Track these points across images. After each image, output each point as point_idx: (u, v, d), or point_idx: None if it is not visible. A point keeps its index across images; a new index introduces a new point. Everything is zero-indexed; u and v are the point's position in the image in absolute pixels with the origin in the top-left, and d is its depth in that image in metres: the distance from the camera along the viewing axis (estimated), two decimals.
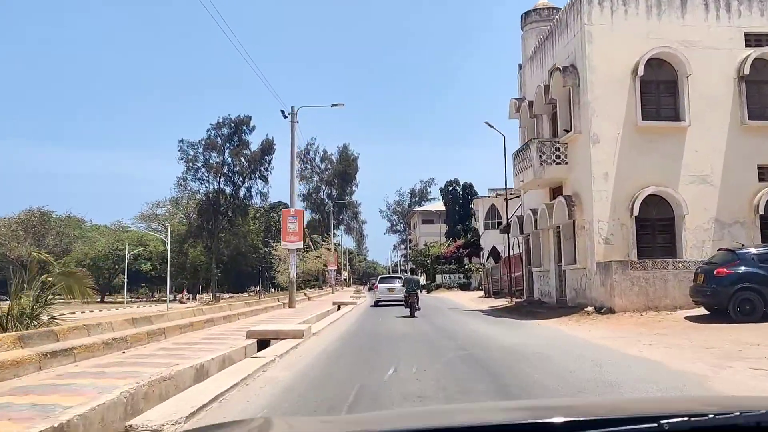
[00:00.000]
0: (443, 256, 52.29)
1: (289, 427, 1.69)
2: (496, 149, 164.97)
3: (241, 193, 78.85)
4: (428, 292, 49.61)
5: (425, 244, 74.26)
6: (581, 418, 1.26)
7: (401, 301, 23.26)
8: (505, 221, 33.94)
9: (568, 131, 19.25)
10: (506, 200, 26.50)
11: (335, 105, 29.97)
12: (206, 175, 78.20)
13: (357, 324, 18.09)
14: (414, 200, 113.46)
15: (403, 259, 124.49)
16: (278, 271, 39.59)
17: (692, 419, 1.13)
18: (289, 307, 24.99)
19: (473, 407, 2.93)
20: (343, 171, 74.83)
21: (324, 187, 76.62)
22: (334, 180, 75.01)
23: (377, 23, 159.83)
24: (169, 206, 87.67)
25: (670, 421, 1.10)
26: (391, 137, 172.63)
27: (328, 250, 43.70)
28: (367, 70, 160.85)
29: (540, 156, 19.34)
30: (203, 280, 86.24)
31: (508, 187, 27.46)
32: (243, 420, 2.35)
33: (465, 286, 49.27)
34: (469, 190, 74.28)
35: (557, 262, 20.35)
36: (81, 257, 73.70)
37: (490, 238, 51.33)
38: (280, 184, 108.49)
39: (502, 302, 26.96)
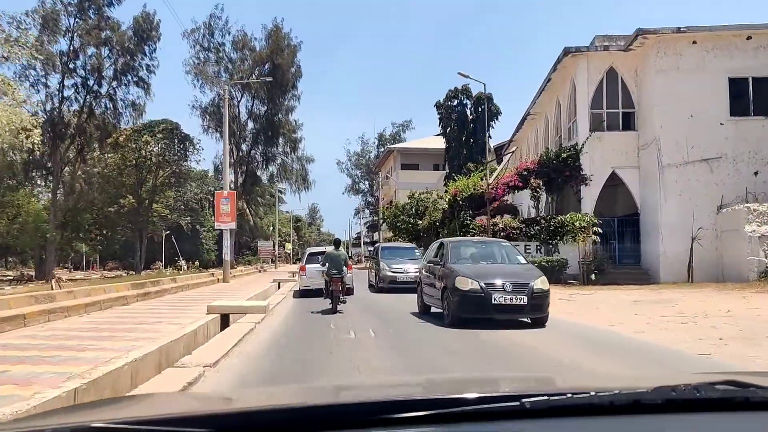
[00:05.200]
0: (484, 198, 21.54)
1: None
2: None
3: (102, 106, 46.65)
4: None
5: (411, 194, 43.89)
6: (443, 396, 1.29)
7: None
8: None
9: None
10: None
11: None
12: (41, 73, 45.67)
13: None
14: (382, 150, 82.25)
15: (366, 228, 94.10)
16: None
17: (551, 398, 1.18)
18: None
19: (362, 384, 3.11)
20: (274, 67, 43.54)
21: (239, 95, 44.87)
22: (259, 83, 43.61)
23: None
24: None
25: (531, 399, 1.15)
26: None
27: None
28: None
29: None
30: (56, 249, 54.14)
31: None
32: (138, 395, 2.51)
33: (554, 270, 18.79)
34: (487, 104, 43.97)
35: None
36: None
37: (603, 153, 21.07)
38: (168, 91, 74.96)
39: None
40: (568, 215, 20.28)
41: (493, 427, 1.14)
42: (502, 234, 19.95)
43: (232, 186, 46.27)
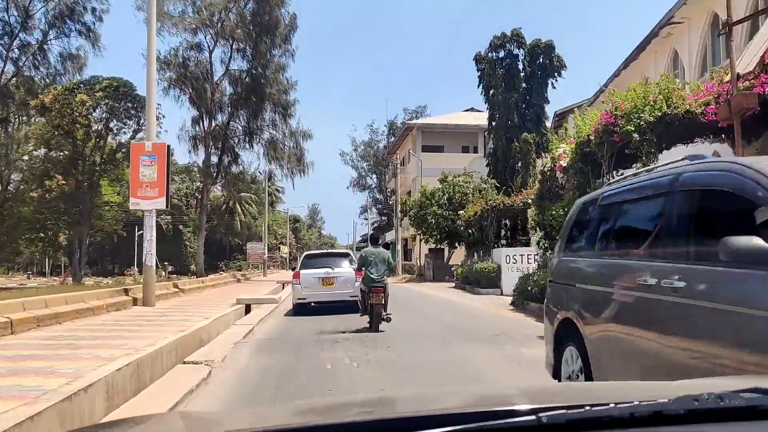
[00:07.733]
0: (706, 121, 9.61)
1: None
2: None
3: (32, 61, 35.28)
4: None
5: (444, 177, 32.30)
6: (454, 412, 1.24)
7: (351, 301, 12.07)
8: None
9: None
10: None
11: None
12: None
13: None
14: (392, 141, 70.69)
15: (373, 229, 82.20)
16: None
17: (568, 411, 1.13)
18: None
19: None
20: (259, 3, 32.17)
21: (211, 43, 33.51)
22: (239, 27, 32.27)
23: None
24: None
25: (547, 414, 1.10)
26: None
27: None
28: None
29: None
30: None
31: None
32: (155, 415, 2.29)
33: None
34: (547, 55, 32.44)
35: None
36: None
37: None
38: (122, 43, 62.92)
39: None
40: None
41: None
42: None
43: (205, 164, 34.62)
